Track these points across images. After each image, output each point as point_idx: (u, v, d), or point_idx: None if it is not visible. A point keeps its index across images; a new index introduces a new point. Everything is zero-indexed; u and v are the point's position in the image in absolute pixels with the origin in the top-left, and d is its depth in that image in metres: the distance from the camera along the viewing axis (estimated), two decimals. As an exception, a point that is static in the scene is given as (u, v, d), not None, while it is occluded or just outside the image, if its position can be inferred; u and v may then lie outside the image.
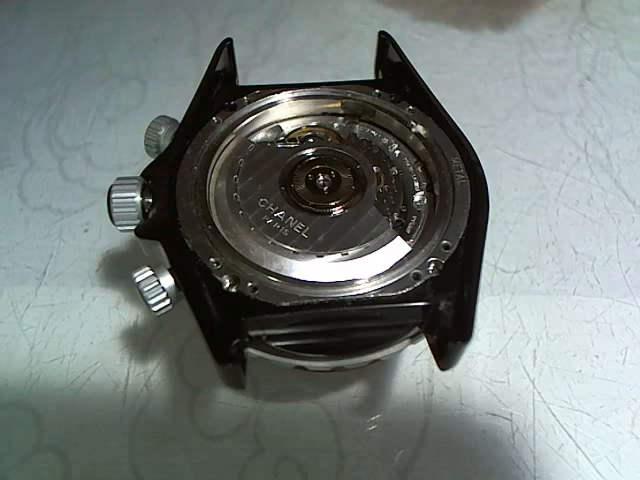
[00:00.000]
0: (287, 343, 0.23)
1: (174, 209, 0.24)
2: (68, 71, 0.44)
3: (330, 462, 0.27)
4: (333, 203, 0.25)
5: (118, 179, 0.25)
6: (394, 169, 0.27)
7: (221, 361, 0.20)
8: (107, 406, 0.29)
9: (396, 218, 0.25)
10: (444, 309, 0.22)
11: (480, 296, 0.22)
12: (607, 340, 0.31)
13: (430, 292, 0.22)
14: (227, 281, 0.22)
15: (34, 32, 0.46)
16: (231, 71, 0.31)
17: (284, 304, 0.22)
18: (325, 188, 0.26)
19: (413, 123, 0.28)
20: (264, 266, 0.23)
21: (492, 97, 0.41)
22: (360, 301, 0.22)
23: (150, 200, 0.24)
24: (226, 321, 0.21)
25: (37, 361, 0.30)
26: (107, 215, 0.24)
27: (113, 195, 0.24)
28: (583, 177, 0.37)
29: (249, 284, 0.22)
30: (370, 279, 0.23)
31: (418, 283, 0.22)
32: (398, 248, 0.24)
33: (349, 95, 0.29)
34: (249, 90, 0.29)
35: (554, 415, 0.28)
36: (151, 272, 0.23)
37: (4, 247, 0.35)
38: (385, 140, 0.28)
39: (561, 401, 0.29)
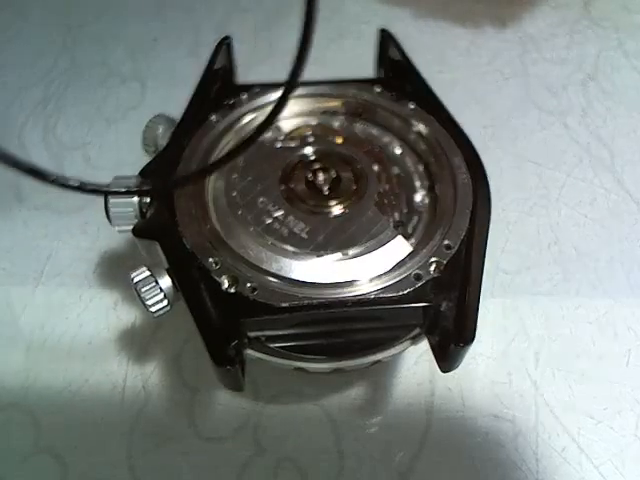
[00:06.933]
0: (287, 344, 0.23)
1: (172, 209, 0.24)
2: (67, 71, 0.43)
3: (330, 464, 0.27)
4: (333, 203, 0.25)
5: (116, 177, 0.24)
6: (395, 168, 0.27)
7: (220, 363, 0.20)
8: (105, 407, 0.29)
9: (397, 218, 0.25)
10: (445, 310, 0.22)
11: (481, 297, 0.22)
12: (610, 341, 0.30)
13: (431, 293, 0.22)
14: (226, 281, 0.22)
15: (33, 31, 0.46)
16: (230, 69, 0.31)
17: (284, 305, 0.22)
18: (325, 188, 0.26)
19: (414, 122, 0.27)
20: (263, 266, 0.23)
21: (494, 96, 0.41)
22: (361, 302, 0.22)
23: (148, 200, 0.24)
24: (225, 322, 0.21)
25: (34, 362, 0.30)
26: (105, 215, 0.24)
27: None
28: (585, 177, 0.37)
29: (248, 285, 0.22)
30: (371, 279, 0.22)
31: (419, 284, 0.22)
32: (399, 248, 0.24)
33: (350, 94, 0.29)
34: (248, 88, 0.29)
35: (557, 417, 0.28)
36: (149, 272, 0.23)
37: (2, 247, 0.34)
38: (386, 139, 0.28)
39: (564, 403, 0.29)
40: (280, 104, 0.17)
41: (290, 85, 0.16)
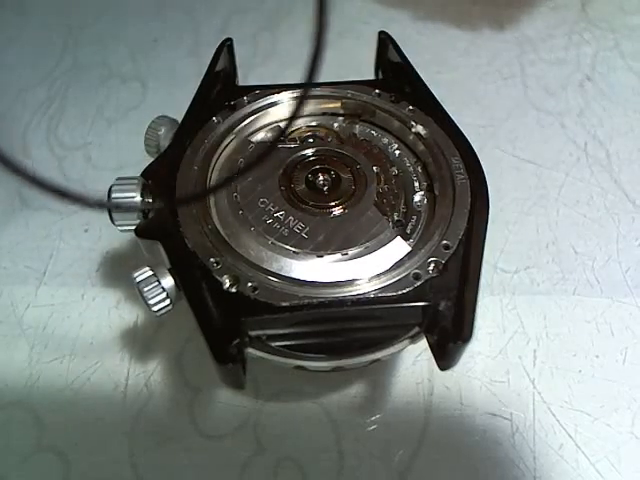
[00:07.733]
0: (287, 343, 0.23)
1: (174, 209, 0.24)
2: (68, 71, 0.44)
3: (330, 462, 0.27)
4: (333, 203, 0.25)
5: (118, 179, 0.25)
6: (394, 169, 0.27)
7: (221, 361, 0.20)
8: (107, 406, 0.29)
9: (396, 218, 0.25)
10: (444, 309, 0.22)
11: (480, 296, 0.22)
12: (607, 340, 0.31)
13: (430, 292, 0.22)
14: (227, 281, 0.22)
15: (34, 32, 0.46)
16: (231, 71, 0.31)
17: (284, 304, 0.22)
18: (325, 188, 0.26)
19: (413, 123, 0.28)
20: (264, 266, 0.23)
21: (492, 97, 0.41)
22: (360, 301, 0.22)
23: (150, 200, 0.24)
24: (226, 321, 0.21)
25: (37, 361, 0.30)
26: (107, 215, 0.24)
27: (113, 195, 0.24)
28: (583, 177, 0.37)
29: (249, 284, 0.22)
30: (370, 279, 0.23)
31: (418, 283, 0.22)
32: (398, 248, 0.24)
33: (349, 95, 0.29)
34: (249, 90, 0.29)
35: (554, 415, 0.28)
36: (151, 272, 0.23)
37: (4, 247, 0.34)
38: (385, 140, 0.28)
39: (561, 401, 0.29)
40: (297, 108, 0.17)
41: (306, 88, 0.16)
